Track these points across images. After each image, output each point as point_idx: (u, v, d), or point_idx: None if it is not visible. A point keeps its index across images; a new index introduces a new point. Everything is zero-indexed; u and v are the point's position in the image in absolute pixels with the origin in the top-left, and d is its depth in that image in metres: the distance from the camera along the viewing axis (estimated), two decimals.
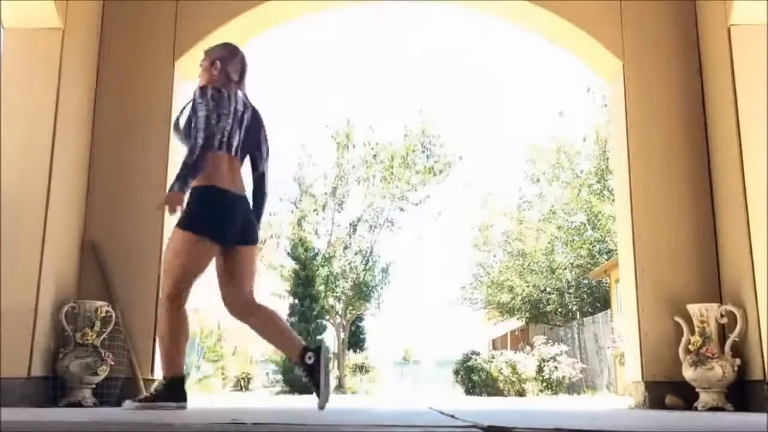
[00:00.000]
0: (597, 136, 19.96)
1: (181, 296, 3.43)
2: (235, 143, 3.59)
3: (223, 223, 3.45)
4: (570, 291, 20.36)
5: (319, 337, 18.86)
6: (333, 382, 3.27)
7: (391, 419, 2.60)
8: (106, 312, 4.35)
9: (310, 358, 3.38)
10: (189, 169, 3.35)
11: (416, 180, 20.09)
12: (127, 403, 3.38)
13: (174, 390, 3.36)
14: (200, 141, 3.36)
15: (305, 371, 3.39)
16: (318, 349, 3.40)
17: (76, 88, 4.56)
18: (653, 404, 4.42)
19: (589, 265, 19.38)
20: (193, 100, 3.52)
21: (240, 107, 3.64)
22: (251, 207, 3.64)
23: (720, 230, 4.54)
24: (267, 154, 3.76)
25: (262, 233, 20.91)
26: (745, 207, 4.20)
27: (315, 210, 20.59)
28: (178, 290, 3.42)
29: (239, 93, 3.68)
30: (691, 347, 4.28)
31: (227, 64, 3.67)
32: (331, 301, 20.25)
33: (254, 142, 3.71)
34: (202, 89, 3.52)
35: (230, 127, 3.54)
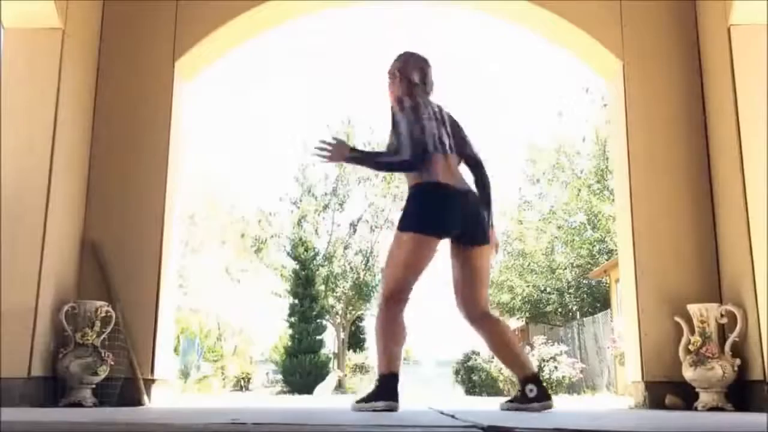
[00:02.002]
0: (597, 136, 19.96)
1: (397, 297, 3.44)
2: (447, 142, 3.58)
3: (441, 215, 3.44)
4: (570, 291, 20.35)
5: (318, 338, 18.86)
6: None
7: (392, 419, 2.60)
8: (106, 312, 4.35)
9: (531, 390, 3.37)
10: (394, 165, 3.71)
11: None
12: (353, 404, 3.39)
13: (384, 388, 3.34)
14: (406, 157, 3.42)
15: (519, 399, 3.40)
16: (542, 391, 3.37)
17: (76, 88, 4.56)
18: (653, 404, 4.42)
19: (589, 265, 19.38)
20: (393, 119, 3.54)
21: (436, 108, 3.65)
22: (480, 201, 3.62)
23: (720, 230, 4.54)
24: (474, 147, 3.73)
25: (263, 233, 20.92)
26: (745, 207, 4.20)
27: (316, 210, 20.61)
28: (392, 291, 3.44)
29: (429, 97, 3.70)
30: (691, 347, 4.28)
31: (405, 71, 3.70)
32: (331, 301, 20.25)
33: (461, 139, 3.70)
34: (398, 102, 3.55)
35: (437, 129, 3.56)
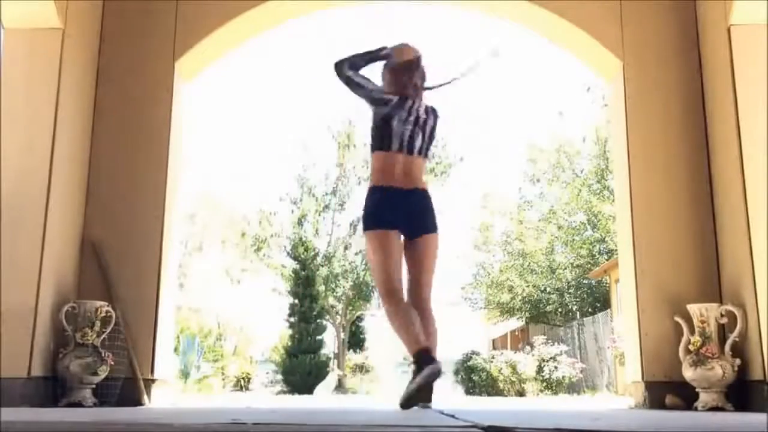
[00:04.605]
0: (597, 136, 19.96)
1: (389, 292, 3.69)
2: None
3: (383, 213, 3.78)
4: (570, 291, 20.34)
5: (318, 338, 18.86)
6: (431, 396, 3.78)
7: (391, 419, 2.61)
8: (106, 312, 4.35)
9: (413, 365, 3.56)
10: None
11: None
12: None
13: (422, 360, 3.49)
14: None
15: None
16: (421, 367, 3.48)
17: (76, 88, 4.56)
18: (653, 404, 4.42)
19: (589, 265, 19.37)
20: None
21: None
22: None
23: (720, 230, 4.54)
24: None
25: (263, 233, 20.91)
26: (745, 207, 4.20)
27: (316, 210, 20.60)
28: (382, 288, 3.74)
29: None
30: (691, 347, 4.28)
31: None
32: (331, 301, 20.24)
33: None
34: None
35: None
